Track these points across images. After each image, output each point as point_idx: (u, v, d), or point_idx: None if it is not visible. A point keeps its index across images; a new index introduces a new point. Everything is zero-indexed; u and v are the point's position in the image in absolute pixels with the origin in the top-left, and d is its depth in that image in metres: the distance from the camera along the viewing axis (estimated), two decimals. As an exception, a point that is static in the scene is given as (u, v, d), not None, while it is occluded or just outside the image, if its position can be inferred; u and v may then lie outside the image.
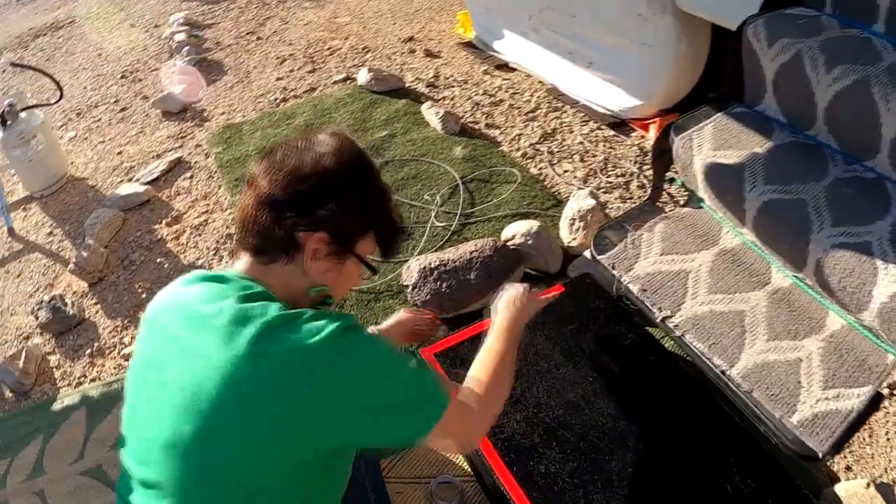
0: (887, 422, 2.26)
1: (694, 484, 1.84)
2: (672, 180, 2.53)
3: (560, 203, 3.06)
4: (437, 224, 2.99)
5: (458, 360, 2.13)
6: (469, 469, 2.14)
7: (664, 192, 2.64)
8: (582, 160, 3.42)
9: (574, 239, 2.79)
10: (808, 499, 1.80)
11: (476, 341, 2.07)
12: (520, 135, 3.61)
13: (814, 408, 1.83)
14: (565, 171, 3.34)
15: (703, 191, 2.30)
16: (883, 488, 1.90)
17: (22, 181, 3.90)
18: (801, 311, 2.07)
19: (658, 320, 2.06)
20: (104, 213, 3.38)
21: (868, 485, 1.90)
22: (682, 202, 2.59)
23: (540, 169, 3.37)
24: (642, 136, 3.55)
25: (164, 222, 3.38)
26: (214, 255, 3.04)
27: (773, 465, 1.87)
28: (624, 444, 1.92)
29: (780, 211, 2.07)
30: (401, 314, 2.17)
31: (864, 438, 2.22)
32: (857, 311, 1.90)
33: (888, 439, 2.21)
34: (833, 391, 1.87)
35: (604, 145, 3.52)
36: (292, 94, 4.17)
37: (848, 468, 2.12)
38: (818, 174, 2.13)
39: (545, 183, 3.26)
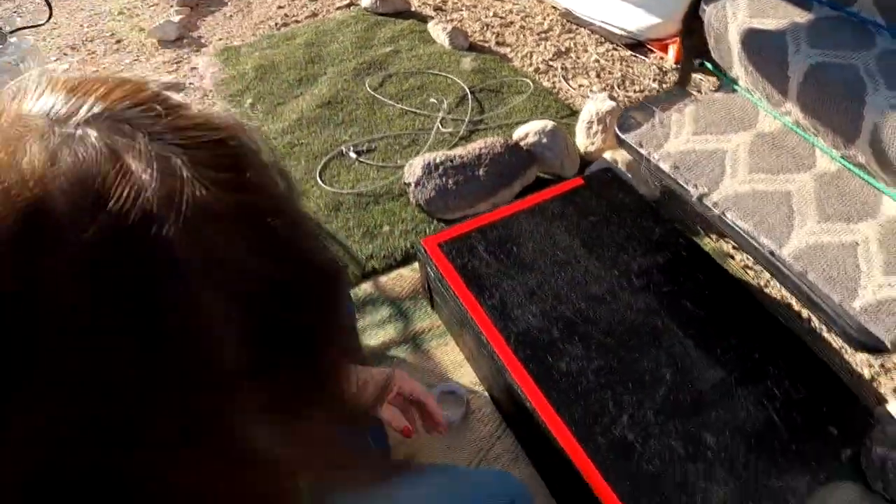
0: None
1: (738, 387, 1.58)
2: (702, 64, 2.21)
3: (575, 113, 2.78)
4: (444, 130, 2.68)
5: (466, 250, 1.82)
6: (475, 376, 1.84)
7: (693, 79, 2.33)
8: (598, 76, 3.14)
9: (592, 143, 2.49)
10: (866, 409, 1.58)
11: (485, 232, 1.79)
12: (531, 52, 3.31)
13: (877, 294, 1.56)
14: (580, 86, 3.05)
15: (738, 64, 1.99)
16: None
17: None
18: (853, 195, 1.79)
19: (694, 199, 1.77)
20: (89, 132, 3.09)
21: None
22: (713, 90, 2.28)
23: (553, 83, 3.07)
24: (661, 58, 3.27)
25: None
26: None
27: (827, 370, 1.64)
28: (656, 341, 1.64)
29: (830, 75, 1.77)
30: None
31: None
32: (920, 186, 1.60)
33: None
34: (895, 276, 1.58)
35: (620, 64, 3.23)
36: (293, 19, 3.89)
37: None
38: (867, 44, 1.84)
39: (559, 95, 2.96)
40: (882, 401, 1.88)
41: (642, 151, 1.92)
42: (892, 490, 1.60)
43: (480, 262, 1.80)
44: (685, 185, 1.81)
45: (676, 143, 1.94)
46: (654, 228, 1.92)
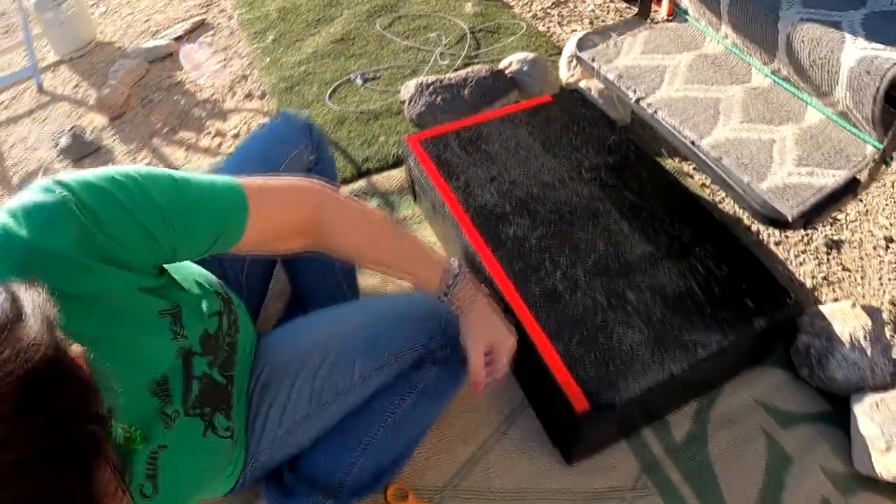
0: (881, 268, 2.23)
1: (664, 260, 1.80)
2: (661, -2, 2.44)
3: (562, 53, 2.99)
4: (441, 62, 2.94)
5: (442, 146, 2.09)
6: (445, 253, 2.10)
7: (653, 10, 2.54)
8: (591, 24, 3.35)
9: (572, 76, 2.73)
10: (785, 291, 1.74)
11: (460, 133, 2.04)
12: (531, 0, 3.53)
13: (785, 179, 1.75)
14: (573, 31, 3.27)
15: (685, -4, 2.21)
16: (871, 310, 1.81)
17: (52, 45, 3.89)
18: (780, 105, 1.98)
19: (632, 101, 2.00)
20: (128, 62, 3.37)
21: (854, 304, 1.82)
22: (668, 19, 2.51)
23: (549, 27, 3.30)
24: (655, 10, 3.43)
25: (184, 70, 3.37)
26: (229, 91, 3.03)
27: (751, 257, 1.82)
28: (595, 220, 1.89)
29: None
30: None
31: (856, 279, 2.19)
32: (830, 89, 1.81)
33: (881, 283, 2.18)
34: (806, 168, 1.79)
35: (615, 14, 3.43)
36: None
37: (835, 300, 2.08)
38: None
39: (551, 38, 3.19)
40: (818, 303, 2.05)
41: (594, 65, 2.16)
42: (816, 378, 1.79)
43: (453, 155, 2.07)
44: (626, 91, 2.05)
45: (625, 59, 2.17)
46: (609, 136, 2.16)
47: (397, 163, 2.42)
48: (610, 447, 1.70)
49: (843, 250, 2.30)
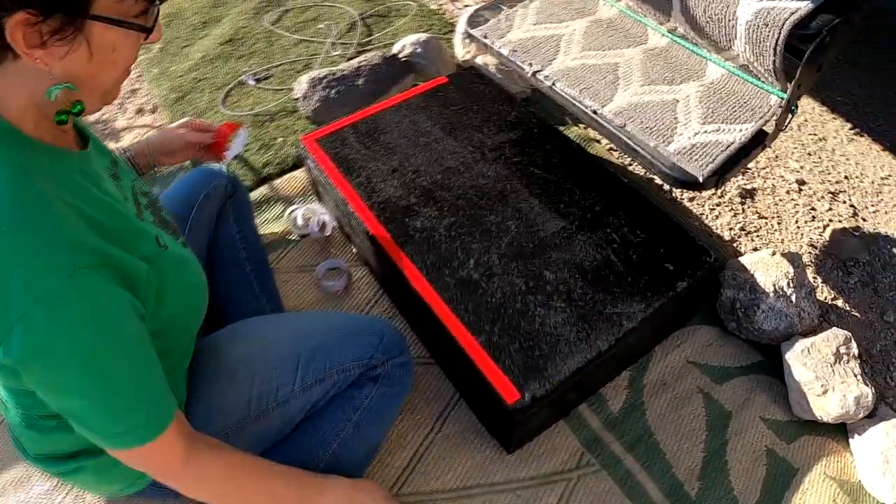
0: (797, 212, 2.22)
1: (578, 233, 1.74)
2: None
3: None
4: (333, 53, 2.81)
5: (339, 142, 1.98)
6: (357, 254, 2.00)
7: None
8: (483, -2, 3.24)
9: (467, 52, 2.63)
10: (703, 248, 1.70)
11: (357, 126, 1.92)
12: (421, -20, 3.41)
13: (692, 139, 1.70)
14: (465, 6, 3.16)
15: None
16: (791, 256, 1.79)
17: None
18: (679, 64, 1.92)
19: (528, 75, 1.91)
20: None
21: (774, 252, 1.79)
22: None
23: (440, 5, 3.19)
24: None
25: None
26: (119, 108, 2.84)
27: (666, 219, 1.78)
28: (504, 200, 1.80)
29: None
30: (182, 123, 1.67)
31: (773, 225, 2.18)
32: (729, 44, 1.75)
33: (798, 227, 2.17)
34: (713, 125, 1.74)
35: (507, -14, 3.33)
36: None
37: (755, 250, 2.04)
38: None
39: (444, 16, 3.08)
40: (738, 255, 2.01)
41: (487, 42, 2.06)
42: (745, 330, 1.76)
43: (351, 150, 1.95)
44: (521, 65, 1.95)
45: (518, 32, 2.08)
46: (510, 112, 2.08)
47: (298, 164, 2.29)
48: (548, 430, 1.64)
49: (756, 198, 2.27)
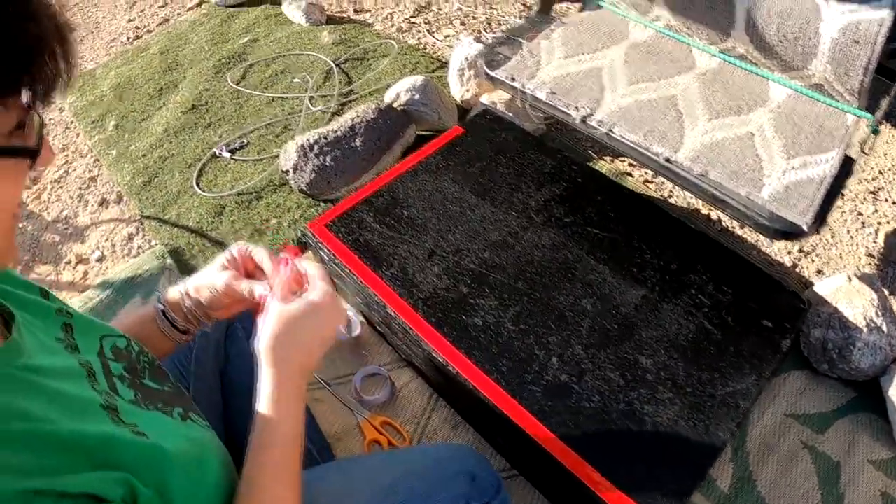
0: (846, 220, 2.07)
1: (662, 302, 1.47)
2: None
3: (446, 65, 2.62)
4: (314, 109, 2.49)
5: (355, 225, 1.66)
6: (395, 353, 1.68)
7: (557, 7, 2.17)
8: (463, 24, 2.99)
9: (467, 91, 2.33)
10: (795, 294, 1.49)
11: (371, 202, 1.62)
12: (392, 13, 3.13)
13: (782, 179, 1.45)
14: (447, 37, 2.89)
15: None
16: (867, 279, 1.63)
17: None
18: (739, 87, 1.68)
19: (577, 121, 1.62)
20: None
21: (849, 278, 1.62)
22: (578, 11, 2.14)
23: (419, 39, 2.91)
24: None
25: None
26: (79, 201, 2.50)
27: (748, 265, 1.54)
28: (569, 274, 1.51)
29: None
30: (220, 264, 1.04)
31: (826, 240, 2.02)
32: (805, 64, 1.50)
33: (851, 237, 2.01)
34: (798, 160, 1.51)
35: (483, 7, 3.09)
36: (145, 30, 3.61)
37: (819, 272, 1.90)
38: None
39: (426, 50, 2.80)
40: (808, 284, 1.82)
41: (516, 85, 1.76)
42: (838, 369, 1.58)
43: (372, 234, 1.64)
44: (566, 110, 1.65)
45: (549, 69, 1.78)
46: (543, 161, 1.78)
47: (300, 247, 1.96)
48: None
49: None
